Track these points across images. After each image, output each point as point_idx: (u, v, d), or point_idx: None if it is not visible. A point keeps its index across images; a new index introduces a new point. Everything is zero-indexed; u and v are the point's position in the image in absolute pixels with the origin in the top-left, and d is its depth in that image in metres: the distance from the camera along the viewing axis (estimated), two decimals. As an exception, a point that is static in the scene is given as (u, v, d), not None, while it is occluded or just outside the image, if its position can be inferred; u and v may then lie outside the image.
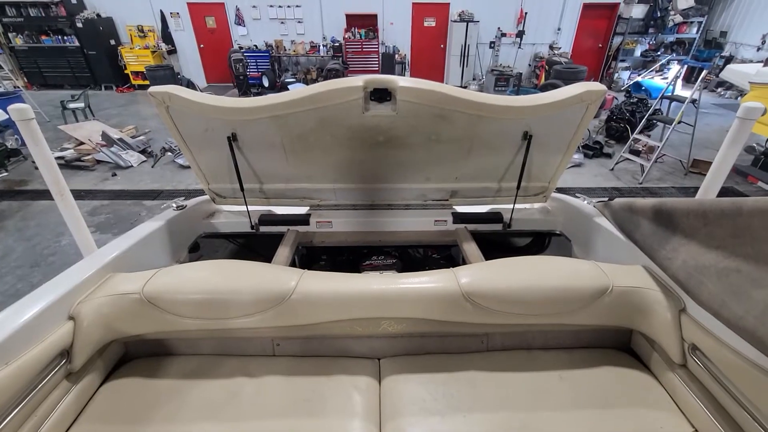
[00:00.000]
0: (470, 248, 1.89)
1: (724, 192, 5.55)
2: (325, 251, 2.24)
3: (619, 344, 1.49)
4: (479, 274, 1.35)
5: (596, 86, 1.62)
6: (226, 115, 1.64)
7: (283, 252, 1.87)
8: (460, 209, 2.18)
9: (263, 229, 2.10)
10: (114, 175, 5.66)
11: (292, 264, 1.97)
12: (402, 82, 1.53)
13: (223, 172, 1.92)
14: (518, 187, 1.93)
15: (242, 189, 1.91)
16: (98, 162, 5.98)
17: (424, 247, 2.34)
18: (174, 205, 2.01)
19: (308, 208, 2.17)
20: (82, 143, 6.13)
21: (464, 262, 2.05)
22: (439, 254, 2.30)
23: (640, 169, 5.61)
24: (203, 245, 2.23)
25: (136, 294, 1.29)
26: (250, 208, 2.09)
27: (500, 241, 2.63)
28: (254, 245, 2.50)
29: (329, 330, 1.36)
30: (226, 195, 2.09)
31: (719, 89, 10.13)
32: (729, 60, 9.88)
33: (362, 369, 1.39)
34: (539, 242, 2.41)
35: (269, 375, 1.35)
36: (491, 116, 1.65)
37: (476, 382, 1.32)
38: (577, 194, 2.19)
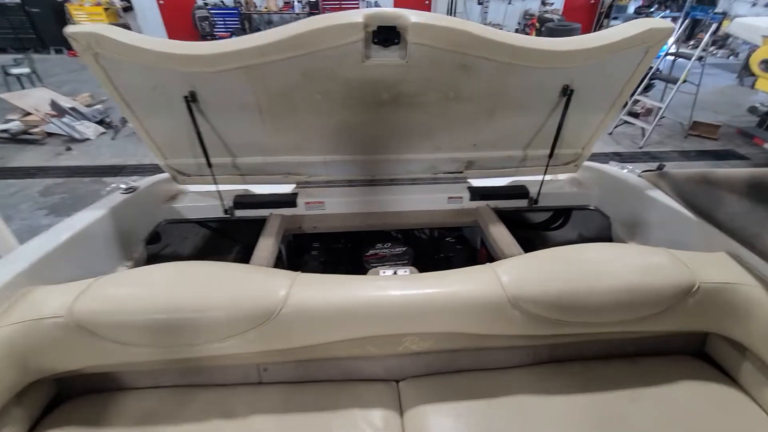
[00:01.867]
0: (500, 233, 1.57)
1: (723, 155, 5.40)
2: (317, 238, 1.89)
3: (692, 349, 1.22)
4: (526, 272, 1.03)
5: (660, 23, 1.26)
6: (180, 66, 1.22)
7: (266, 244, 1.50)
8: (476, 183, 1.84)
9: (240, 213, 1.72)
10: (68, 149, 5.04)
11: (278, 257, 1.62)
12: (415, 17, 1.14)
13: (182, 143, 1.51)
14: (551, 155, 1.59)
15: (209, 164, 1.51)
16: (49, 135, 5.31)
17: (432, 229, 2.00)
18: (123, 186, 1.60)
19: (294, 185, 1.79)
20: (29, 113, 5.41)
21: (486, 247, 1.74)
22: (450, 234, 1.97)
23: (640, 132, 5.35)
24: (166, 233, 1.84)
25: (60, 317, 0.92)
26: (223, 187, 1.70)
27: (514, 218, 2.31)
28: (231, 230, 2.12)
29: (332, 351, 1.03)
30: (190, 172, 1.68)
31: (711, 48, 9.84)
32: (722, 16, 9.52)
33: (377, 397, 1.08)
34: (559, 217, 2.10)
35: (255, 414, 1.03)
36: (527, 65, 1.29)
37: (526, 410, 1.03)
38: (611, 161, 1.88)
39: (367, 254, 1.60)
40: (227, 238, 2.15)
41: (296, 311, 0.96)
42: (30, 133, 5.21)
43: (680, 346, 1.20)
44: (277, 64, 1.23)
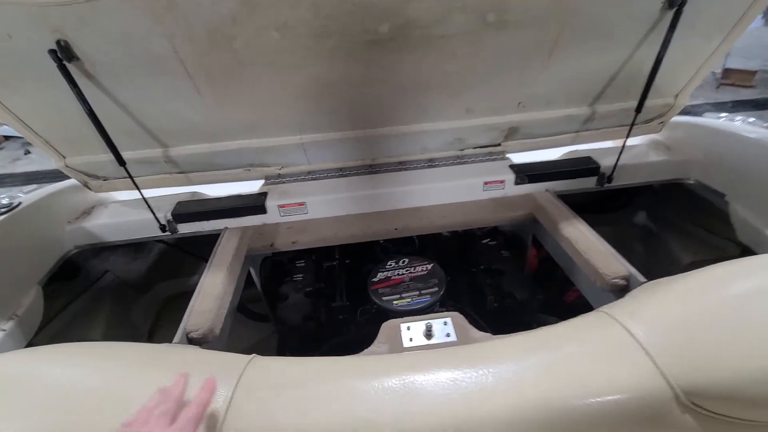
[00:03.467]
0: (582, 236, 1.03)
1: (764, 104, 4.80)
2: (302, 253, 1.36)
3: None
4: (701, 333, 0.53)
5: None
6: None
7: (212, 285, 0.95)
8: (516, 158, 1.31)
9: (184, 228, 1.20)
10: (27, 152, 4.50)
11: (248, 284, 1.12)
12: None
13: (82, 131, 0.98)
14: (639, 109, 1.07)
15: (121, 161, 0.99)
16: (7, 138, 4.77)
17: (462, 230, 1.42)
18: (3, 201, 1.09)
19: (263, 181, 1.27)
20: (-19, 116, 4.85)
21: (540, 247, 1.23)
22: (484, 233, 1.44)
23: (667, 85, 4.76)
24: (101, 258, 1.34)
25: None
26: (157, 192, 1.19)
27: None
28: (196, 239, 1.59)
29: None
30: (106, 174, 1.16)
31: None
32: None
33: None
34: (621, 193, 1.55)
35: None
36: None
37: None
38: (705, 114, 1.35)
39: (375, 281, 1.08)
40: (191, 255, 1.63)
41: None
42: (-17, 138, 4.67)
43: None
44: None
